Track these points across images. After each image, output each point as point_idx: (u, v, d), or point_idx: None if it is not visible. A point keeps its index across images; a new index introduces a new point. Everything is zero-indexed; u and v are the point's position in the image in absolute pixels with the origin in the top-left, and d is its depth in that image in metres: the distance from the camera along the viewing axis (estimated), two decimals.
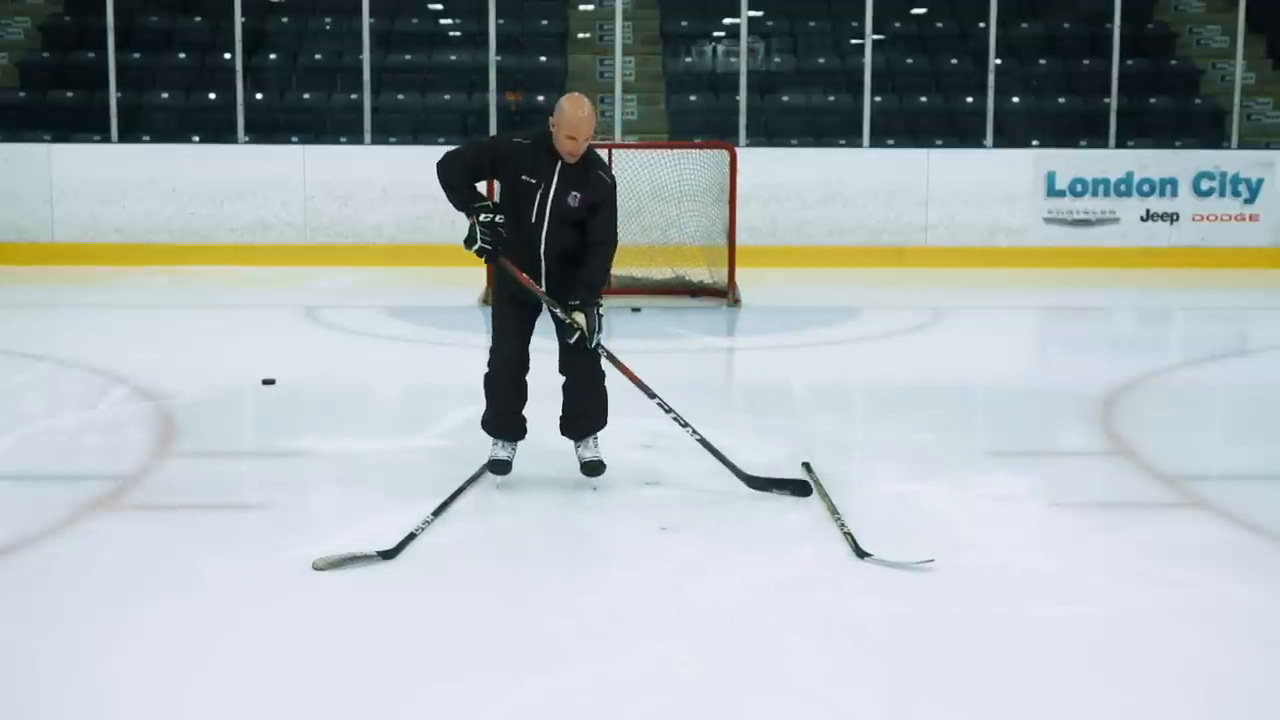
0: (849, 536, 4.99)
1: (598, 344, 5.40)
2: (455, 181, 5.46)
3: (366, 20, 15.55)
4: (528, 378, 5.64)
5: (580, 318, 5.38)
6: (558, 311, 5.43)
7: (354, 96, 15.93)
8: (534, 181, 5.32)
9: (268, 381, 7.93)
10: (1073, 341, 11.39)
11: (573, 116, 5.23)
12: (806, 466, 6.03)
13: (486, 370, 5.59)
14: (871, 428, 7.49)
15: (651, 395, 5.53)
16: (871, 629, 4.16)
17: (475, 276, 11.44)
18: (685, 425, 5.51)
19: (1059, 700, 3.64)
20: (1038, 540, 5.19)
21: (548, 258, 5.44)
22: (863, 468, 6.41)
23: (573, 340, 5.38)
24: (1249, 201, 15.24)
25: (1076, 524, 5.48)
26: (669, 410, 5.51)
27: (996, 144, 15.52)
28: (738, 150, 12.82)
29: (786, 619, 4.24)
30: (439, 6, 18.72)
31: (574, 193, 5.35)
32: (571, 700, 3.58)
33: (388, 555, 4.70)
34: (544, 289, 5.44)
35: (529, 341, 5.62)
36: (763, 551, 4.94)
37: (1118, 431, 7.14)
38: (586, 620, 4.21)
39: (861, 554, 4.82)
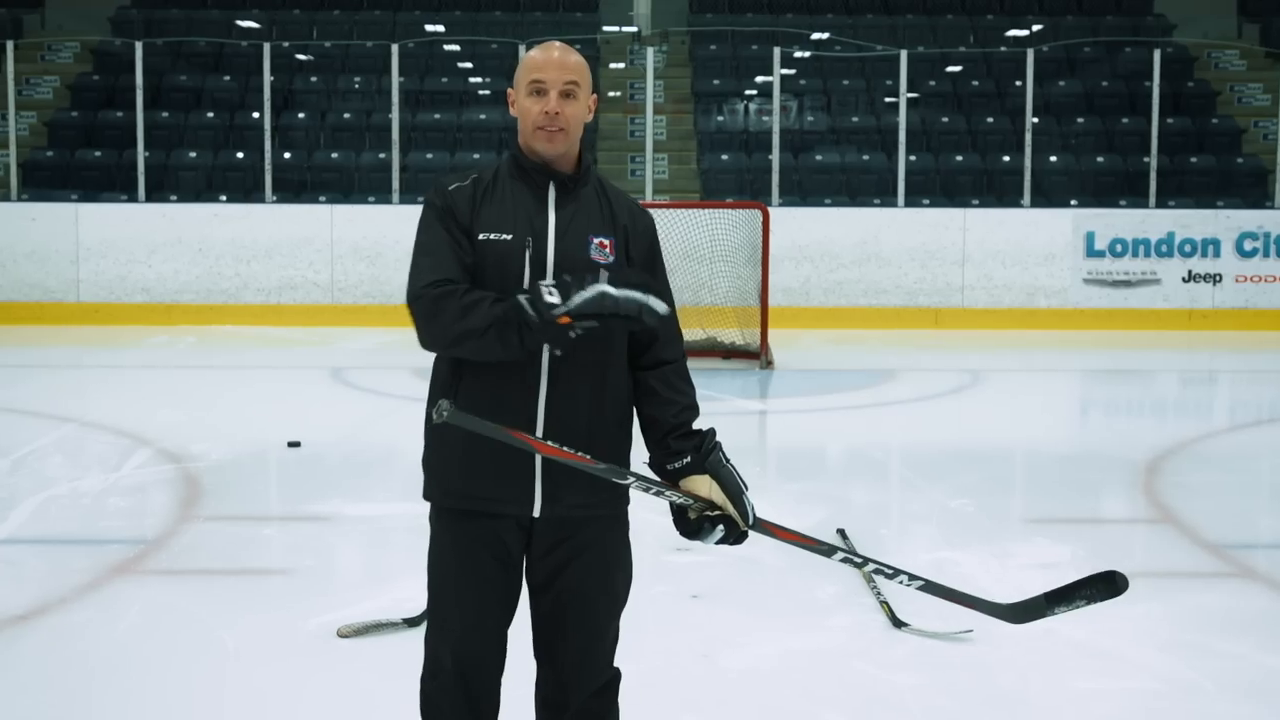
0: (885, 605, 4.91)
1: (754, 521, 2.89)
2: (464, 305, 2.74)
3: (396, 79, 15.53)
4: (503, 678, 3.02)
5: (707, 485, 2.89)
6: (655, 492, 2.91)
7: (382, 156, 15.92)
8: (506, 237, 2.82)
9: (293, 444, 7.83)
10: (1115, 405, 11.16)
11: (538, 56, 2.90)
12: (841, 533, 5.92)
13: (422, 675, 2.97)
14: (908, 493, 7.31)
15: (830, 552, 3.05)
16: (908, 701, 4.11)
17: None
18: (896, 574, 3.06)
19: None
20: (1080, 611, 4.98)
21: (555, 391, 2.82)
22: (900, 534, 6.30)
23: (715, 539, 2.90)
24: None
25: None
26: (863, 562, 3.16)
27: (1034, 203, 15.33)
28: (770, 210, 12.68)
29: (821, 689, 4.19)
30: (468, 65, 18.79)
31: (594, 236, 2.87)
32: None
33: (413, 623, 4.59)
34: (549, 447, 2.78)
35: (509, 617, 2.96)
36: (797, 620, 4.86)
37: (1161, 498, 6.96)
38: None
39: (899, 624, 4.75)
